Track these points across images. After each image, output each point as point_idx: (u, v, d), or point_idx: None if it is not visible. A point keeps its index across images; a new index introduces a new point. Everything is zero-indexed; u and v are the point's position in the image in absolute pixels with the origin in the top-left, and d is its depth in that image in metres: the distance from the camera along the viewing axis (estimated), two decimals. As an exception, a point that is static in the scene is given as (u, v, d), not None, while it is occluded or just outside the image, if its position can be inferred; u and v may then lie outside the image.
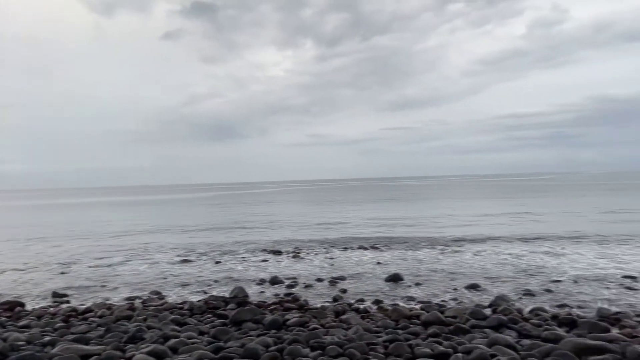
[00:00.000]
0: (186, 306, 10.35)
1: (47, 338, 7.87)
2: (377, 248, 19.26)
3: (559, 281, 12.61)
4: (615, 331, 8.07)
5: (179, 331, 8.20)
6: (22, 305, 11.19)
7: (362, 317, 9.24)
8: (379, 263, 15.96)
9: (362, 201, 57.11)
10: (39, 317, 9.92)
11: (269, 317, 8.84)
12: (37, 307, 11.22)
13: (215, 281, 13.79)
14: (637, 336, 7.66)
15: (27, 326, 9.03)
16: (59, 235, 27.81)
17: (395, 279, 13.22)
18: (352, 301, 11.03)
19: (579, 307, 10.17)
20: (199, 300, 11.08)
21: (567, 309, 9.93)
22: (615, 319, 8.96)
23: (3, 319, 9.74)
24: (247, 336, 7.85)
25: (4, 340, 7.76)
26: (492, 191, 75.44)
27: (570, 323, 8.52)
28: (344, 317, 9.08)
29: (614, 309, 9.79)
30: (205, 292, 12.36)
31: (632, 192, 60.21)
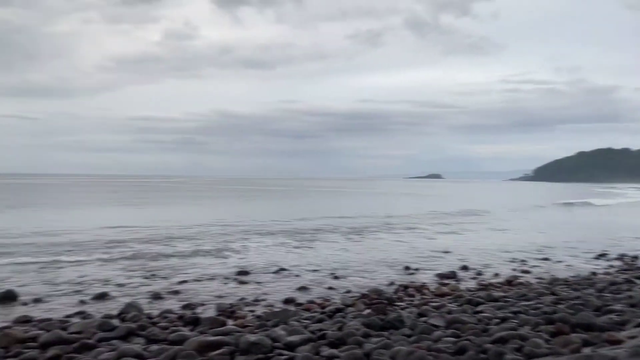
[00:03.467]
0: None
1: None
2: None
3: (185, 282, 13.50)
4: (231, 323, 9.22)
5: None
6: None
7: (-43, 352, 7.51)
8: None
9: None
10: None
11: None
12: None
13: None
14: (248, 325, 8.98)
15: None
16: None
17: (7, 297, 11.30)
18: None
19: (201, 304, 11.13)
20: None
21: (191, 308, 10.71)
22: (230, 312, 10.25)
23: None
24: None
25: None
26: (125, 194, 74.50)
27: (194, 321, 9.25)
28: None
29: (229, 302, 11.19)
30: None
31: (257, 198, 70.55)
